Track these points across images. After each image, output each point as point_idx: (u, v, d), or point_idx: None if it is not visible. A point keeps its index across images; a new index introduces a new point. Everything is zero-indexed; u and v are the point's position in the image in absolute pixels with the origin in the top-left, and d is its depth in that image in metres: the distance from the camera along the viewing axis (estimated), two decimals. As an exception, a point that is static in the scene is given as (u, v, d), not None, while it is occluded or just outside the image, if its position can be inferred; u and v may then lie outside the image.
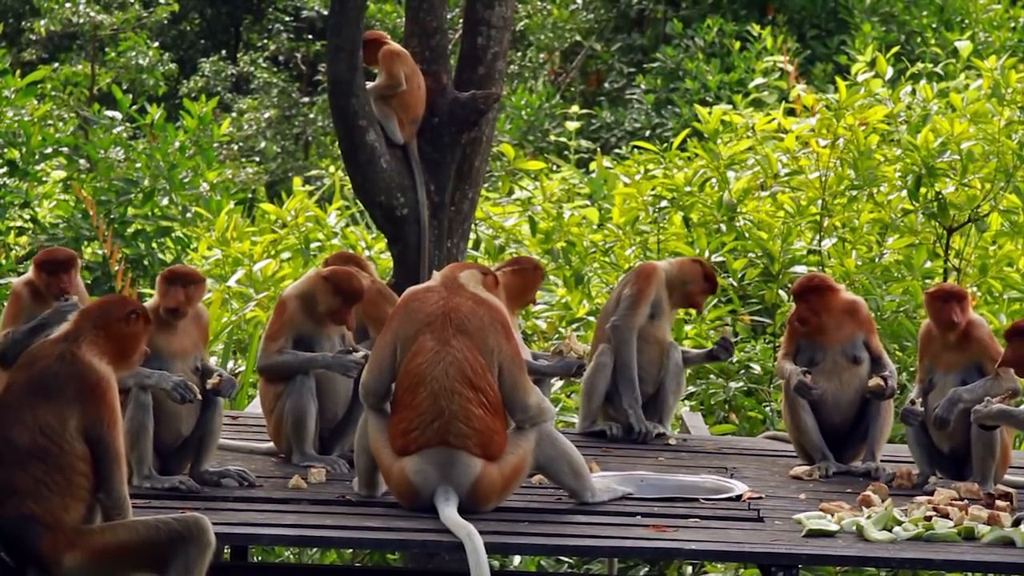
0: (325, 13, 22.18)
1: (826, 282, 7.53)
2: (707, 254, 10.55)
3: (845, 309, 7.51)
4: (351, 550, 9.06)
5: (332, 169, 17.52)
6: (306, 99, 23.03)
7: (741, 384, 9.98)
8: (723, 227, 10.95)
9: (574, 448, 6.45)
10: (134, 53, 20.38)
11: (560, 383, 9.74)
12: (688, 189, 11.10)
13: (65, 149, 14.44)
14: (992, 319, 9.84)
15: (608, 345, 8.09)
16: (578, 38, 21.34)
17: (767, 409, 9.85)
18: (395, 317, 6.41)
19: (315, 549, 8.91)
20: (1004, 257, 10.63)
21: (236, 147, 21.80)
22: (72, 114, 18.15)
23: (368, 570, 8.85)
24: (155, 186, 13.89)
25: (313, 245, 11.89)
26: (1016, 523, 6.22)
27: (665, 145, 12.10)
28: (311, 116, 22.51)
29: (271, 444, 7.36)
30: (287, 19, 24.09)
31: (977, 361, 7.05)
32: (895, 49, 14.79)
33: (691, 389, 9.97)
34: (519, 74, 21.30)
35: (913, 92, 11.95)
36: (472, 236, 10.53)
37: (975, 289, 10.28)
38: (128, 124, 15.20)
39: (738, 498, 6.71)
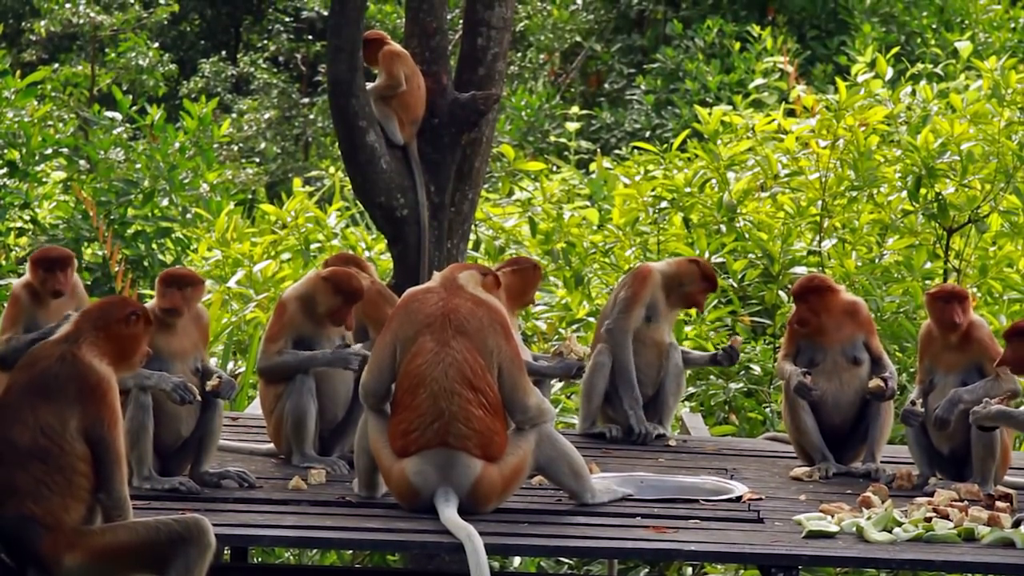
0: (325, 13, 22.18)
1: (826, 283, 7.52)
2: (707, 255, 10.55)
3: (845, 310, 7.51)
4: (351, 551, 9.06)
5: (332, 170, 17.52)
6: (306, 100, 23.03)
7: (741, 385, 9.98)
8: (723, 228, 10.95)
9: (574, 449, 6.45)
10: (134, 54, 20.38)
11: (560, 384, 9.74)
12: (688, 190, 11.10)
13: (65, 150, 14.44)
14: (992, 320, 9.84)
15: (606, 345, 8.09)
16: (578, 39, 21.35)
17: (767, 410, 9.85)
18: (395, 318, 6.41)
19: (315, 550, 8.91)
20: (1004, 258, 10.63)
21: (236, 148, 21.81)
22: (72, 115, 18.15)
23: (368, 571, 8.85)
24: (155, 187, 13.90)
25: (313, 246, 11.89)
26: (1016, 524, 6.22)
27: (665, 146, 12.10)
28: (311, 117, 22.52)
29: (271, 445, 7.36)
30: (287, 20, 24.10)
31: (977, 362, 7.04)
32: (895, 50, 14.79)
33: (691, 390, 9.97)
34: (519, 75, 21.30)
35: (913, 93, 11.95)
36: (472, 237, 10.53)
37: (975, 290, 10.28)
38: (128, 125, 15.21)
39: (738, 499, 6.71)
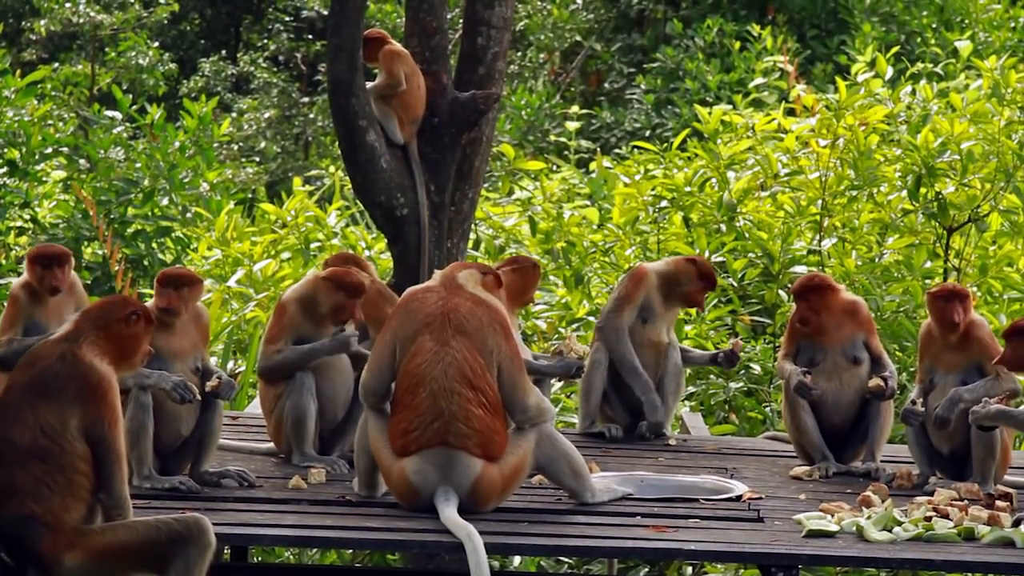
0: (325, 13, 22.18)
1: (826, 281, 7.53)
2: (707, 254, 10.55)
3: (845, 309, 7.51)
4: (351, 551, 9.06)
5: (332, 169, 17.52)
6: (306, 99, 23.03)
7: (741, 384, 9.98)
8: (723, 227, 10.95)
9: (574, 448, 6.45)
10: (134, 53, 20.38)
11: (560, 383, 9.74)
12: (688, 189, 11.10)
13: (65, 149, 14.44)
14: (992, 319, 9.84)
15: (602, 344, 8.09)
16: (578, 38, 21.35)
17: (767, 409, 9.85)
18: (394, 317, 6.42)
19: (315, 550, 8.91)
20: (1004, 257, 10.63)
21: (236, 147, 21.81)
22: (72, 114, 18.15)
23: (368, 571, 8.85)
24: (155, 186, 13.90)
25: (313, 245, 11.89)
26: (1016, 523, 6.22)
27: (665, 145, 12.10)
28: (311, 116, 22.51)
29: (271, 444, 7.36)
30: (287, 19, 24.09)
31: (978, 361, 7.04)
32: (895, 49, 14.79)
33: (691, 389, 9.97)
34: (519, 74, 21.30)
35: (913, 92, 11.95)
36: (472, 236, 10.53)
37: (975, 289, 10.27)
38: (128, 124, 15.21)
39: (738, 498, 6.71)
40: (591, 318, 10.39)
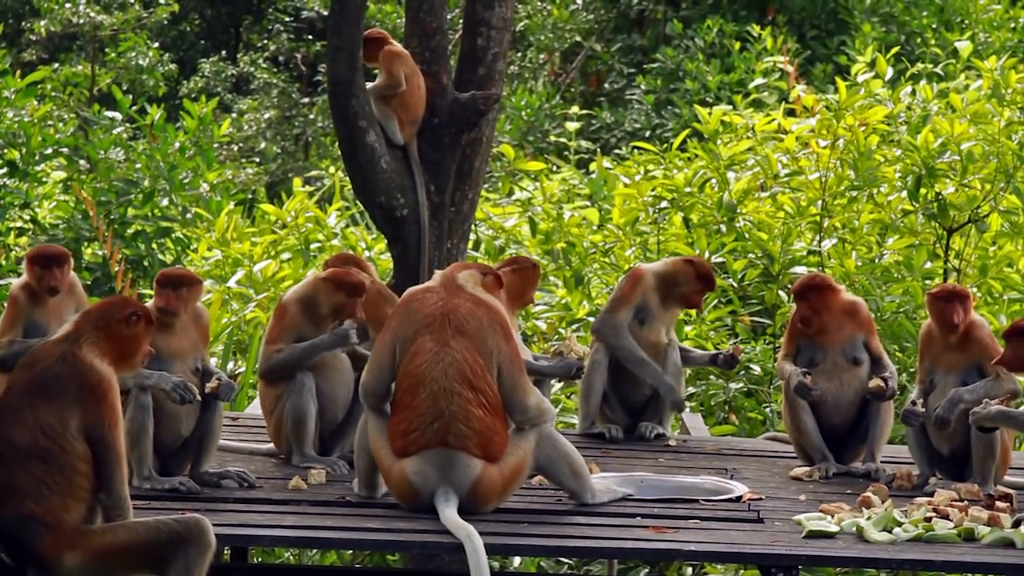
0: (325, 13, 22.18)
1: (827, 282, 7.53)
2: (707, 255, 10.55)
3: (845, 310, 7.51)
4: (351, 551, 9.06)
5: (332, 170, 17.52)
6: (306, 99, 23.04)
7: (741, 385, 9.98)
8: (723, 228, 10.95)
9: (574, 449, 6.45)
10: (134, 53, 20.39)
11: (560, 384, 9.74)
12: (688, 190, 11.10)
13: (65, 150, 14.44)
14: (992, 320, 9.84)
15: (601, 344, 8.09)
16: (578, 39, 21.35)
17: (767, 410, 9.85)
18: (394, 317, 6.42)
19: (315, 550, 8.91)
20: (1004, 258, 10.63)
21: (236, 148, 21.81)
22: (72, 115, 18.15)
23: (368, 571, 8.85)
24: (155, 187, 13.90)
25: (313, 246, 11.89)
26: (1016, 524, 6.22)
27: (665, 146, 12.10)
28: (311, 116, 22.52)
29: (271, 445, 7.36)
30: (287, 19, 24.10)
31: (978, 362, 7.04)
32: (895, 49, 14.79)
33: (691, 390, 9.97)
34: (519, 74, 21.30)
35: (913, 92, 11.95)
36: (472, 237, 10.53)
37: (975, 290, 10.27)
38: (128, 125, 15.21)
39: (738, 499, 6.71)
40: (591, 318, 10.38)
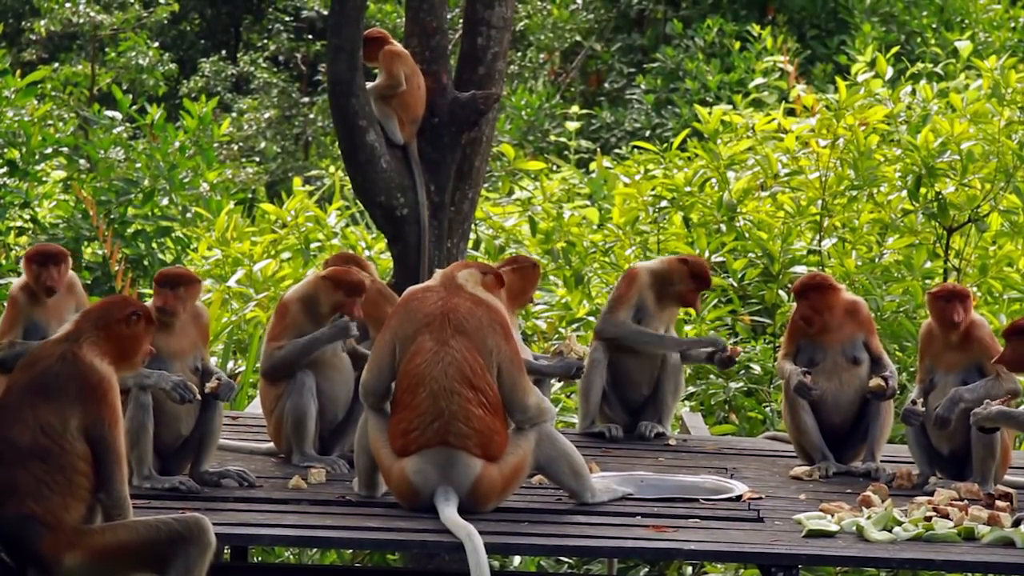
0: (325, 13, 22.18)
1: (827, 281, 7.52)
2: (707, 254, 10.55)
3: (846, 309, 7.51)
4: (351, 550, 9.06)
5: (332, 169, 17.52)
6: (306, 99, 23.04)
7: (741, 384, 9.98)
8: (723, 227, 10.95)
9: (574, 448, 6.45)
10: (134, 53, 20.39)
11: (560, 383, 9.74)
12: (688, 189, 11.10)
13: (65, 149, 14.44)
14: (992, 319, 9.84)
15: (599, 342, 8.09)
16: (578, 38, 21.35)
17: (767, 409, 9.85)
18: (394, 316, 6.42)
19: (315, 549, 8.91)
20: (1004, 257, 10.63)
21: (236, 147, 21.81)
22: (72, 114, 18.15)
23: (368, 570, 8.85)
24: (155, 186, 13.89)
25: (313, 245, 11.90)
26: (1016, 523, 6.22)
27: (665, 145, 12.10)
28: (311, 116, 22.52)
29: (271, 444, 7.36)
30: (287, 19, 24.10)
31: (978, 361, 7.04)
32: (895, 49, 14.79)
33: (691, 389, 9.97)
34: (519, 74, 21.30)
35: (913, 92, 11.95)
36: (472, 236, 10.53)
37: (975, 289, 10.27)
38: (128, 124, 15.20)
39: (738, 498, 6.71)
40: (591, 318, 10.39)
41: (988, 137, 10.70)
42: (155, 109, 14.86)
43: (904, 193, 10.67)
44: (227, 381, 6.76)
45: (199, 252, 12.50)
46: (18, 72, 15.25)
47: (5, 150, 13.80)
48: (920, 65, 15.18)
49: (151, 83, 20.32)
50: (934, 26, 18.86)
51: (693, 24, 19.55)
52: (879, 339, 7.62)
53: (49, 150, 14.16)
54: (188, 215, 13.99)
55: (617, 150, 17.10)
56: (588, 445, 7.68)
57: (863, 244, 10.76)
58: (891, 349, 9.84)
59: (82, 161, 14.79)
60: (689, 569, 9.02)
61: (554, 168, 15.04)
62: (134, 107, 15.40)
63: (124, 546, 5.34)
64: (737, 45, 18.52)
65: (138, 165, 14.16)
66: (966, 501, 6.57)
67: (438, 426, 6.23)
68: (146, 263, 13.44)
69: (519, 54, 21.50)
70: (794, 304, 7.57)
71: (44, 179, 14.42)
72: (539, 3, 21.37)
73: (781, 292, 10.40)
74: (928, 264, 10.49)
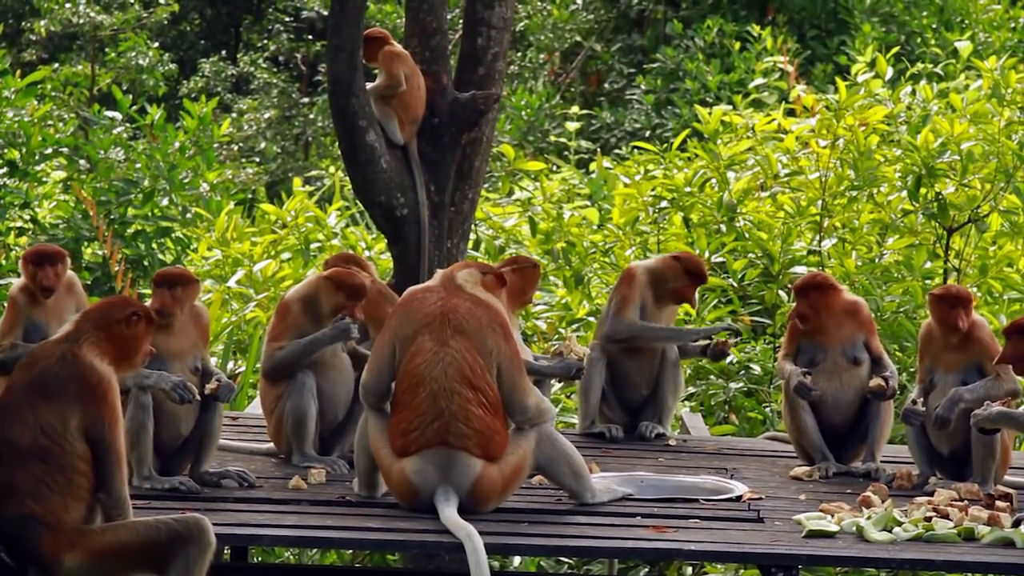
0: (325, 13, 22.18)
1: (828, 280, 7.52)
2: (707, 254, 10.55)
3: (846, 309, 7.51)
4: (351, 551, 9.06)
5: (332, 169, 17.52)
6: (306, 99, 23.04)
7: (741, 385, 9.98)
8: (723, 228, 10.95)
9: (574, 449, 6.45)
10: (134, 53, 20.39)
11: (560, 384, 9.74)
12: (688, 189, 11.10)
13: (65, 149, 14.43)
14: (992, 319, 9.84)
15: (598, 341, 8.09)
16: (578, 38, 21.35)
17: (767, 410, 9.85)
18: (394, 317, 6.42)
19: (315, 550, 8.91)
20: (1004, 257, 10.63)
21: (236, 147, 21.81)
22: (72, 114, 18.15)
23: (368, 571, 8.85)
24: (155, 186, 13.89)
25: (313, 246, 11.90)
26: (1016, 524, 6.22)
27: (665, 145, 12.10)
28: (311, 116, 22.52)
29: (271, 445, 7.36)
30: (287, 19, 24.10)
31: (978, 362, 7.04)
32: (895, 49, 14.79)
33: (691, 390, 9.97)
34: (519, 74, 21.30)
35: (913, 92, 11.95)
36: (472, 236, 10.53)
37: (975, 289, 10.27)
38: (128, 124, 15.20)
39: (738, 499, 6.71)
40: (591, 319, 10.39)
41: (988, 137, 10.70)
42: (155, 109, 14.85)
43: (904, 193, 10.67)
44: (227, 382, 6.76)
45: (199, 252, 12.50)
46: (18, 72, 15.25)
47: (5, 150, 13.79)
48: (920, 65, 15.18)
49: (151, 83, 20.32)
50: (934, 26, 18.86)
51: (693, 24, 19.56)
52: (879, 339, 7.62)
53: (49, 150, 14.15)
54: (188, 215, 13.98)
55: (617, 150, 17.10)
56: (588, 445, 7.68)
57: (863, 244, 10.76)
58: (891, 349, 9.84)
59: (82, 161, 14.78)
60: (689, 569, 9.02)
61: (554, 168, 15.04)
62: (134, 107, 15.40)
63: (124, 546, 5.34)
64: (737, 45, 18.52)
65: (138, 165, 14.15)
66: (966, 501, 6.57)
67: (438, 426, 6.23)
68: (146, 263, 13.44)
69: (519, 54, 21.50)
70: (795, 301, 7.57)
71: (44, 179, 14.42)
72: (539, 3, 21.37)
73: (781, 292, 10.40)
74: (928, 264, 10.49)
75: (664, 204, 11.18)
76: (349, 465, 7.02)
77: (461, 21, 9.49)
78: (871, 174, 10.68)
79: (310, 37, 24.20)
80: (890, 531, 6.17)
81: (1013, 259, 10.70)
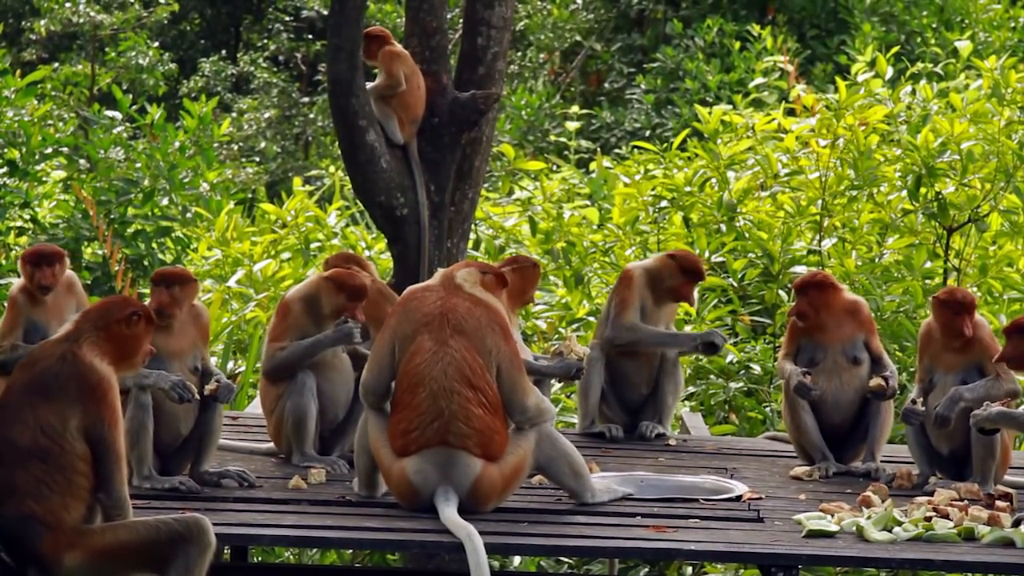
0: (325, 13, 22.18)
1: (828, 279, 7.52)
2: (707, 254, 10.55)
3: (846, 308, 7.50)
4: (351, 551, 9.06)
5: (332, 169, 17.52)
6: (306, 99, 23.04)
7: (741, 384, 9.98)
8: (723, 227, 10.95)
9: (574, 448, 6.45)
10: (134, 53, 20.39)
11: (560, 384, 9.74)
12: (688, 189, 11.10)
13: (65, 149, 14.43)
14: (992, 319, 9.84)
15: (598, 341, 8.09)
16: (578, 38, 21.35)
17: (767, 409, 9.85)
18: (393, 316, 6.42)
19: (315, 550, 8.91)
20: (1004, 257, 10.63)
21: (236, 147, 21.81)
22: (72, 114, 18.15)
23: (368, 571, 8.85)
24: (155, 186, 13.89)
25: (313, 245, 11.90)
26: (1016, 524, 6.22)
27: (665, 145, 12.10)
28: (311, 116, 22.52)
29: (271, 444, 7.36)
30: (287, 19, 24.10)
31: (978, 362, 7.04)
32: (895, 49, 14.79)
33: (691, 389, 9.97)
34: (519, 74, 21.30)
35: (913, 92, 11.95)
36: (472, 236, 10.53)
37: (975, 289, 10.27)
38: (128, 124, 15.20)
39: (738, 498, 6.71)
40: (591, 318, 10.39)
41: (988, 137, 10.70)
42: (155, 109, 14.85)
43: (904, 193, 10.67)
44: (226, 383, 6.75)
45: (199, 252, 12.50)
46: (18, 72, 15.24)
47: (5, 150, 13.79)
48: (920, 65, 15.18)
49: (151, 83, 20.32)
50: (934, 26, 18.86)
51: (693, 24, 19.56)
52: (879, 339, 7.62)
53: (49, 150, 14.15)
54: (188, 215, 13.98)
55: (617, 150, 17.11)
56: (588, 445, 7.68)
57: (863, 244, 10.76)
58: (891, 349, 9.84)
59: (82, 161, 14.78)
60: (689, 569, 9.02)
61: (554, 168, 15.04)
62: (134, 107, 15.39)
63: (124, 546, 5.34)
64: (737, 45, 18.52)
65: (138, 165, 14.15)
66: (966, 501, 6.57)
67: (438, 426, 6.23)
68: (146, 263, 13.43)
69: (519, 54, 21.50)
70: (795, 299, 7.57)
71: (44, 179, 14.41)
72: (539, 3, 21.37)
73: (781, 292, 10.40)
74: (928, 264, 10.49)
75: (664, 204, 11.18)
76: (349, 465, 7.02)
77: (461, 21, 9.49)
78: (871, 174, 10.68)
79: (310, 37, 24.19)
80: (890, 531, 6.17)
81: (1013, 259, 10.70)
